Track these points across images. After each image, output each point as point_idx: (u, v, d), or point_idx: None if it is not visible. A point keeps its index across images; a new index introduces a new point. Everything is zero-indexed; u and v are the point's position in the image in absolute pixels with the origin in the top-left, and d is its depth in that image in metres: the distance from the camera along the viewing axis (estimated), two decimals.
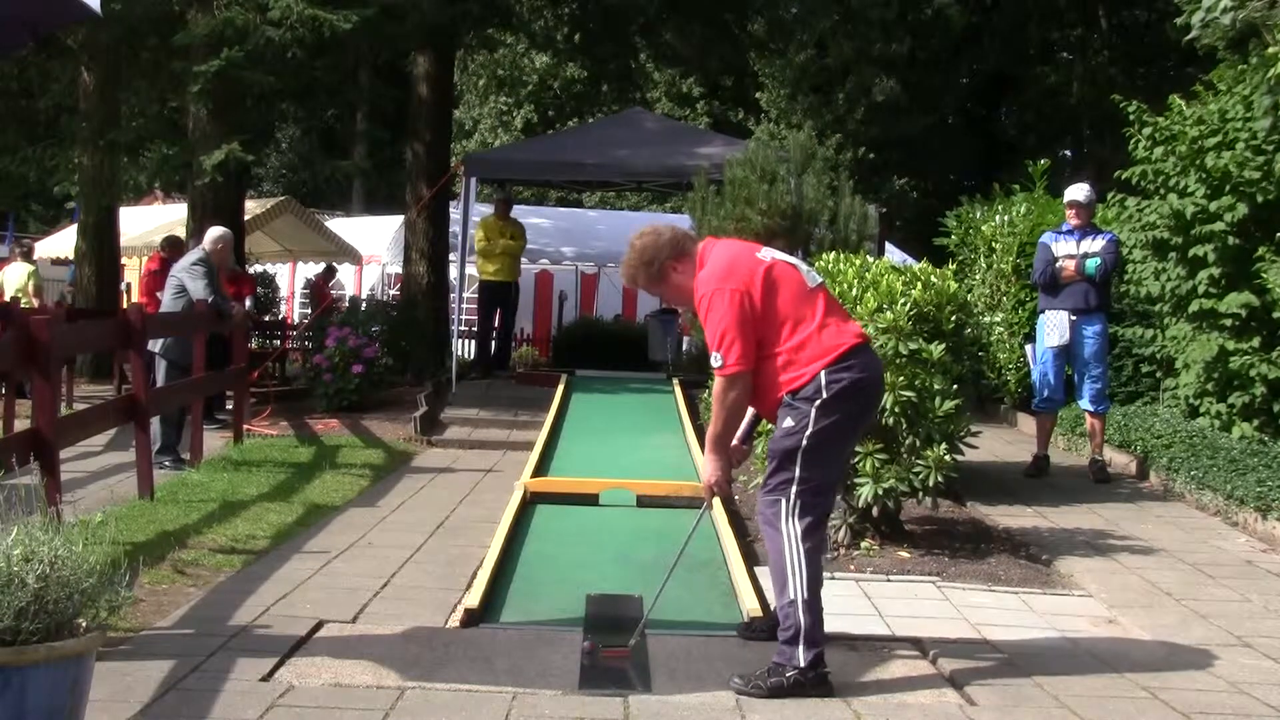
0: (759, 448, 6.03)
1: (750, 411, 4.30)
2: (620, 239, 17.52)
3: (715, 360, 4.00)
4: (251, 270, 15.50)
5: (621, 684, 3.96)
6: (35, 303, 12.35)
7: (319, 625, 4.52)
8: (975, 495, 7.24)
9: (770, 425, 4.40)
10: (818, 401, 3.94)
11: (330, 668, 4.04)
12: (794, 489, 3.95)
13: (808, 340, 3.98)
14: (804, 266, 4.23)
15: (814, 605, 3.93)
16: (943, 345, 5.83)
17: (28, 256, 14.56)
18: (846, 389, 3.96)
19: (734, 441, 4.28)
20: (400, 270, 16.19)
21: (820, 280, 4.22)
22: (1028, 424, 9.76)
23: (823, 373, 3.94)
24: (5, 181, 12.68)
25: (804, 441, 3.93)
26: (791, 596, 3.91)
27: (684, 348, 13.20)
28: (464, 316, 14.70)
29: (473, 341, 15.20)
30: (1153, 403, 9.39)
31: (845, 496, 5.75)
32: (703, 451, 4.51)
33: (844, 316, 4.20)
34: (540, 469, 7.69)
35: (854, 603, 5.07)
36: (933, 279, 6.11)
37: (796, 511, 3.95)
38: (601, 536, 6.26)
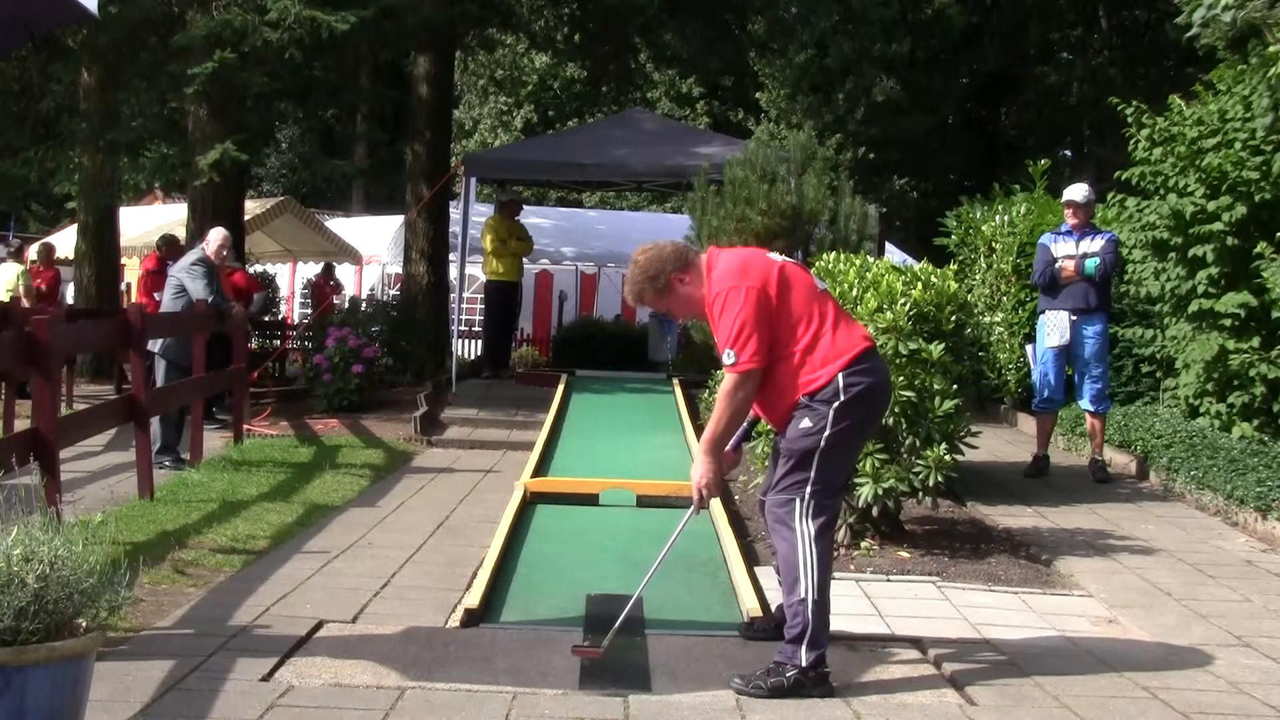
0: (759, 447, 6.04)
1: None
2: (620, 239, 17.55)
3: (728, 357, 3.96)
4: (251, 270, 15.49)
5: (621, 684, 3.96)
6: (25, 303, 12.36)
7: (319, 625, 4.52)
8: (975, 495, 7.24)
9: (768, 426, 4.39)
10: (836, 403, 3.95)
11: (330, 668, 4.04)
12: (808, 489, 3.96)
13: (821, 341, 3.99)
14: (810, 271, 4.25)
15: (823, 605, 3.94)
16: (943, 345, 5.83)
17: (17, 256, 14.59)
18: (863, 392, 3.98)
19: (726, 447, 4.26)
20: (400, 270, 16.20)
21: (825, 287, 4.25)
22: (1028, 424, 9.76)
23: (840, 375, 3.96)
24: (5, 182, 12.67)
25: (822, 442, 3.95)
26: (802, 595, 3.92)
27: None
28: (463, 317, 14.70)
29: (474, 341, 15.18)
30: (1153, 403, 9.38)
31: (845, 496, 5.75)
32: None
33: (851, 320, 4.24)
34: (540, 469, 7.69)
35: (854, 603, 5.07)
36: (933, 279, 6.11)
37: (810, 511, 3.96)
38: (601, 536, 6.26)
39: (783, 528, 4.02)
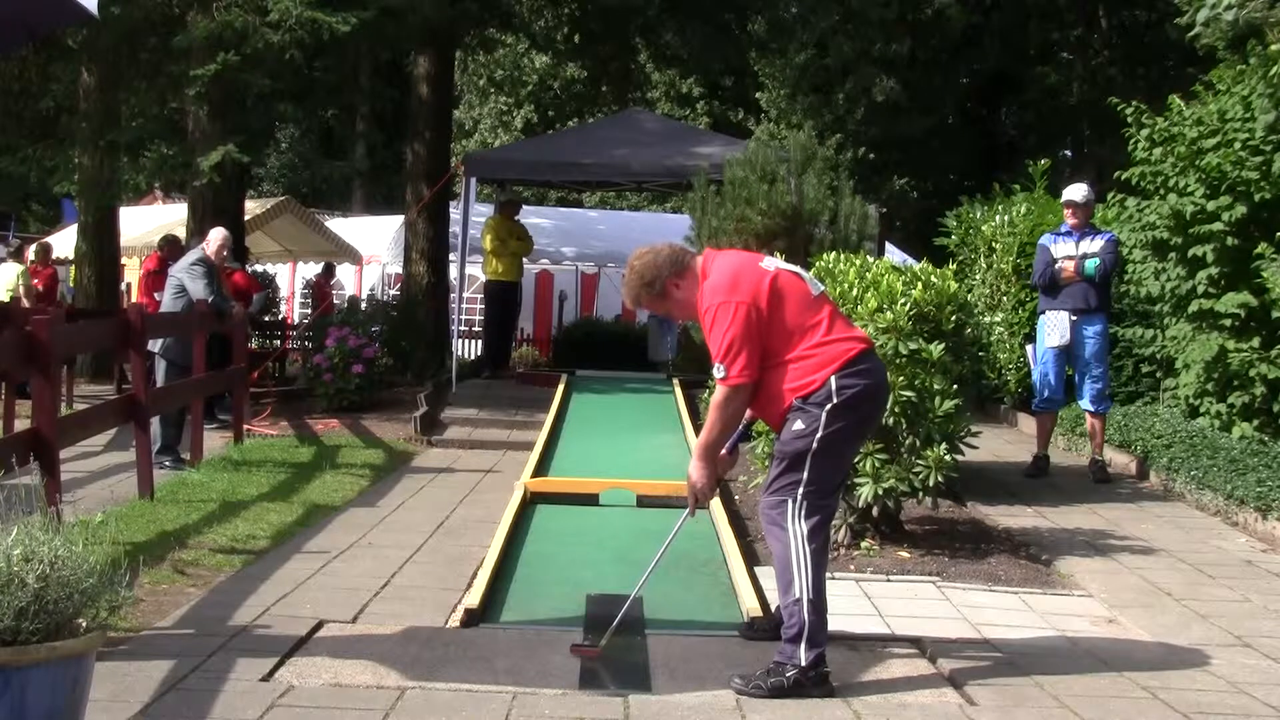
0: (759, 447, 6.04)
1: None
2: (620, 239, 17.54)
3: (719, 371, 4.01)
4: (251, 270, 15.51)
5: (621, 684, 3.96)
6: (25, 303, 12.39)
7: (319, 625, 4.52)
8: (975, 495, 7.24)
9: (766, 426, 4.39)
10: (829, 406, 3.95)
11: (330, 668, 4.04)
12: (801, 490, 3.97)
13: (816, 347, 4.00)
14: (807, 275, 4.24)
15: (819, 605, 3.94)
16: (943, 345, 5.83)
17: (17, 256, 14.60)
18: (857, 395, 3.99)
19: (721, 451, 4.29)
20: (400, 270, 16.20)
21: (823, 288, 4.24)
22: (1028, 424, 9.76)
23: (833, 378, 3.96)
24: (5, 181, 12.68)
25: (814, 444, 3.95)
26: (797, 595, 3.92)
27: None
28: (464, 317, 14.69)
29: (474, 341, 15.15)
30: (1153, 403, 9.38)
31: (845, 496, 5.74)
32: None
33: (848, 322, 4.25)
34: (540, 469, 7.69)
35: (854, 603, 5.07)
36: (933, 279, 6.11)
37: (803, 512, 3.97)
38: (601, 536, 6.26)
39: (776, 529, 4.03)
